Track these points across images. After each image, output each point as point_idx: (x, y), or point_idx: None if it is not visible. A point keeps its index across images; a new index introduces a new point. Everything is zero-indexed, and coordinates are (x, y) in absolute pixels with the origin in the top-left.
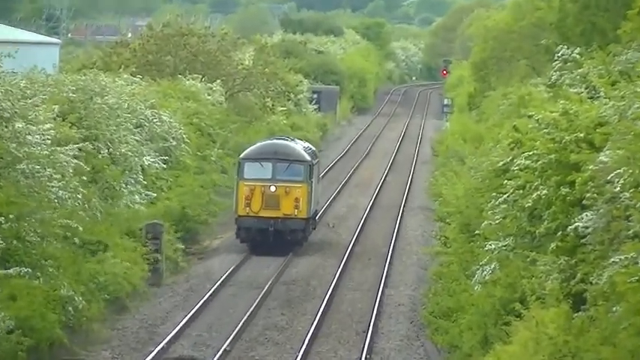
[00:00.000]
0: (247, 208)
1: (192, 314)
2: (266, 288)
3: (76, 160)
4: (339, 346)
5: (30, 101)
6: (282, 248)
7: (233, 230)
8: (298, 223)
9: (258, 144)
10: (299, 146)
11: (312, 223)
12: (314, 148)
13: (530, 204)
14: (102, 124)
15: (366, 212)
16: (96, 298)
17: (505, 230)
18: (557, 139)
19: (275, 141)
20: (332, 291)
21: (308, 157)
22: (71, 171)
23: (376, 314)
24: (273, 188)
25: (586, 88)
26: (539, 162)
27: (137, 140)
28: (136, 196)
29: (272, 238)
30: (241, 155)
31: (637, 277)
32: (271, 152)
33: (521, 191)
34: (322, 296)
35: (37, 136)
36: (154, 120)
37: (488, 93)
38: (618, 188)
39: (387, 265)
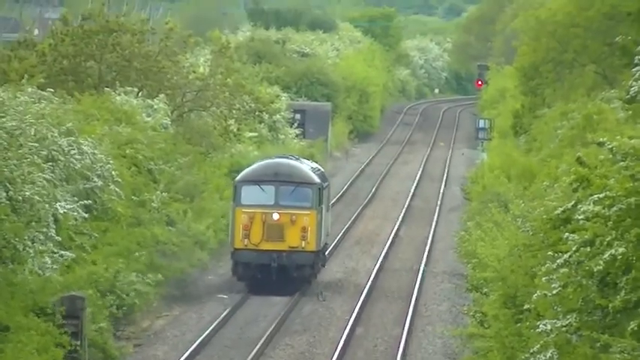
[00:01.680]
0: (246, 240)
1: None
2: None
3: None
4: None
5: None
6: (287, 287)
7: (183, 306)
8: (306, 257)
9: (258, 163)
10: (305, 166)
11: (322, 258)
12: (322, 169)
13: (601, 267)
14: None
15: (371, 279)
16: None
17: (566, 304)
18: (639, 175)
19: (277, 160)
20: None
21: (317, 179)
22: None
23: None
24: (276, 216)
25: None
26: (614, 208)
27: (48, 180)
28: (47, 259)
29: (275, 275)
30: (238, 177)
31: None
32: (273, 173)
33: (588, 249)
34: None
35: None
36: (72, 151)
37: (541, 111)
38: None
39: (399, 355)
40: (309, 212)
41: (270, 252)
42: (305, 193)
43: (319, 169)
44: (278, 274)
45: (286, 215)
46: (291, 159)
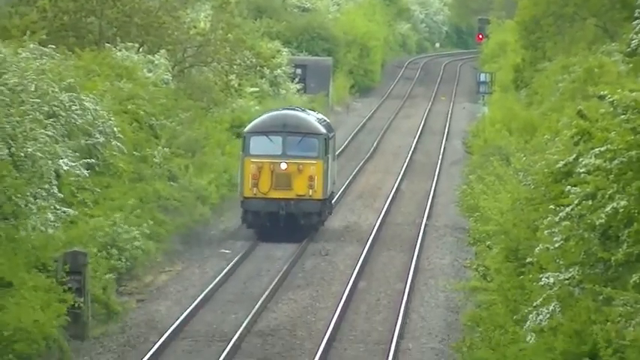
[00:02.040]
0: (255, 189)
1: None
2: (234, 340)
3: None
4: None
5: None
6: (295, 235)
7: (186, 261)
8: (313, 204)
9: (266, 115)
10: (312, 117)
11: (328, 205)
12: (328, 120)
13: (602, 220)
14: (0, 113)
15: (373, 233)
16: None
17: (568, 257)
18: (639, 128)
19: (285, 111)
20: (325, 347)
21: (323, 130)
22: None
23: None
24: (283, 165)
25: None
26: (615, 161)
27: (49, 136)
28: (49, 215)
29: (283, 222)
30: (246, 128)
31: None
32: (281, 124)
33: (590, 202)
34: (314, 351)
35: None
36: (73, 107)
37: (542, 65)
38: None
39: (402, 308)
40: (315, 162)
41: (279, 200)
42: (312, 143)
43: (325, 120)
44: (286, 222)
45: (294, 165)
46: (297, 110)
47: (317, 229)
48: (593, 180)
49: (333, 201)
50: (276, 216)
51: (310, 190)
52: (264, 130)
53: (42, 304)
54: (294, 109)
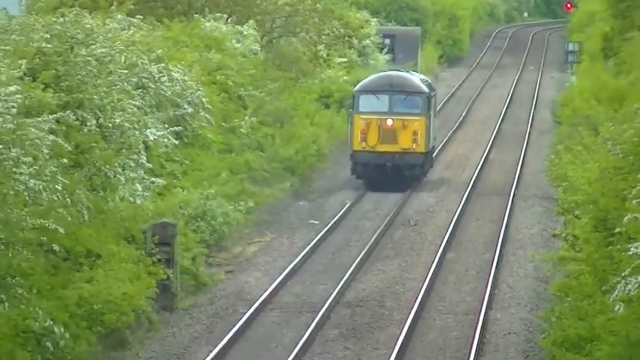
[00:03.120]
0: (363, 143)
1: (220, 350)
2: (323, 311)
3: (52, 137)
4: None
5: None
6: (400, 184)
7: (275, 232)
8: (417, 157)
9: (374, 75)
10: (416, 78)
11: (430, 159)
12: (430, 81)
13: None
14: (88, 84)
15: (462, 204)
16: (84, 331)
17: None
18: None
19: (391, 72)
20: (415, 315)
21: (426, 89)
22: (46, 151)
23: (476, 349)
24: (390, 121)
25: None
26: None
27: (138, 107)
28: (138, 186)
29: (390, 173)
30: (356, 87)
31: None
32: (387, 84)
33: None
34: (402, 321)
35: None
36: (162, 78)
37: (630, 34)
38: None
39: (491, 277)
40: (419, 118)
41: (385, 153)
42: (415, 101)
43: (427, 81)
44: (392, 173)
45: (399, 121)
46: (402, 71)
47: (420, 181)
48: None
49: (434, 155)
50: (383, 168)
51: (414, 144)
52: (372, 89)
53: (131, 276)
54: (399, 70)
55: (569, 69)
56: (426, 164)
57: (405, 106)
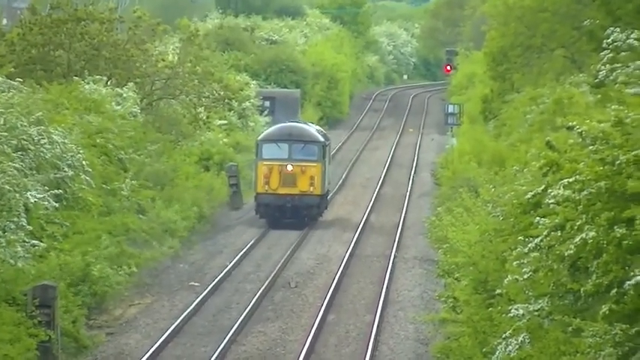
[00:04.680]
0: (266, 186)
1: None
2: None
3: None
4: None
5: None
6: (299, 224)
7: (155, 294)
8: (314, 199)
9: (275, 127)
10: (312, 128)
11: (325, 201)
12: (325, 131)
13: (572, 251)
14: None
15: (342, 266)
16: None
17: (537, 288)
18: (608, 159)
19: (290, 124)
20: None
21: (321, 138)
22: None
23: None
24: (290, 167)
25: None
26: (584, 192)
27: (18, 169)
28: (19, 248)
29: (289, 213)
30: (259, 137)
31: None
32: (287, 134)
33: (559, 233)
34: None
35: None
36: (42, 141)
37: (510, 96)
38: None
39: (371, 341)
40: (315, 164)
41: (286, 195)
42: (312, 149)
43: (322, 131)
44: (291, 213)
45: (298, 167)
46: (300, 123)
47: (316, 220)
48: (562, 211)
49: (328, 197)
50: (283, 208)
51: (311, 187)
52: (273, 139)
53: (11, 337)
54: (297, 122)
55: (449, 131)
56: (322, 205)
57: (303, 154)
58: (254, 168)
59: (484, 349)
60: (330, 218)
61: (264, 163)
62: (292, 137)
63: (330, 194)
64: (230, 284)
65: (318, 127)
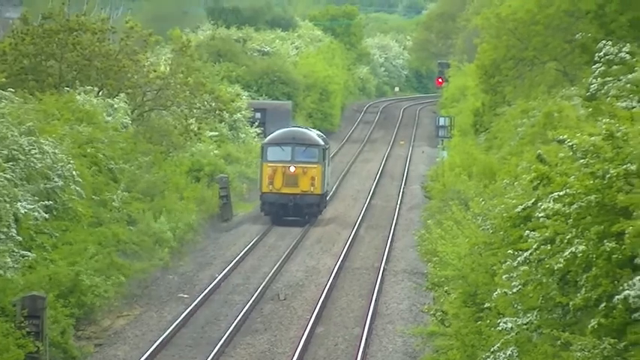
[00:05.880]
0: (270, 186)
1: None
2: None
3: None
4: None
5: None
6: (301, 220)
7: (144, 305)
8: (314, 198)
9: (279, 131)
10: (313, 133)
11: (324, 200)
12: (325, 136)
13: (561, 265)
14: None
15: (331, 278)
16: None
17: (526, 302)
18: (598, 173)
19: (293, 128)
20: None
21: (322, 142)
22: None
23: None
24: (292, 168)
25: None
26: (574, 206)
27: (8, 179)
28: (7, 258)
29: (292, 211)
30: (265, 141)
31: None
32: (290, 137)
33: (548, 247)
34: None
35: None
36: (32, 151)
37: (501, 109)
38: None
39: (360, 354)
40: (316, 166)
41: (288, 194)
42: (313, 152)
43: (323, 136)
44: (294, 210)
45: (300, 168)
46: (302, 128)
47: (316, 217)
48: (552, 224)
49: (327, 197)
50: (286, 206)
51: (312, 187)
52: (277, 142)
53: (0, 348)
54: (300, 127)
55: (440, 143)
56: (322, 203)
57: (304, 156)
58: (259, 169)
59: None
60: (320, 229)
61: (269, 164)
62: (295, 141)
63: (329, 194)
64: (219, 296)
65: (318, 132)
